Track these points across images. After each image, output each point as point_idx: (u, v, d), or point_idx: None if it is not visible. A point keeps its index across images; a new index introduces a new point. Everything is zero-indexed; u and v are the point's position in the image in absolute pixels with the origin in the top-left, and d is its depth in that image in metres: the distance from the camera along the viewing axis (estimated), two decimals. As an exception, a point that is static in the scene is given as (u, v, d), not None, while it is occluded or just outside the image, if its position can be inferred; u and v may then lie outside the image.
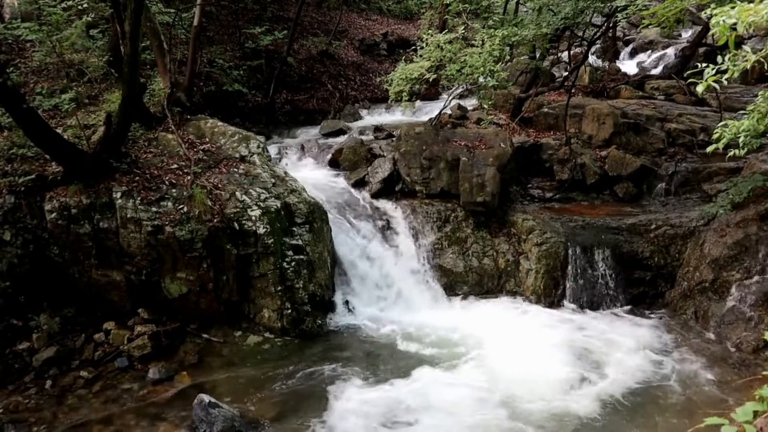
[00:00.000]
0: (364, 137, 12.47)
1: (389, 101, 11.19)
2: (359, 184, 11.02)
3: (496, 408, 6.76)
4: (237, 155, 9.63)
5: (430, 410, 6.74)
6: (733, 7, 3.28)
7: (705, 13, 3.65)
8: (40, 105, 9.01)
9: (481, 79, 10.03)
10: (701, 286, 8.79)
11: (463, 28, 10.44)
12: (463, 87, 11.21)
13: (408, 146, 10.58)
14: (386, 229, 10.09)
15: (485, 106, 10.55)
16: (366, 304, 9.30)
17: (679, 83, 13.98)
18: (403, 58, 12.43)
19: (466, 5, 11.20)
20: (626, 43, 20.32)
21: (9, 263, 7.66)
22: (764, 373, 6.56)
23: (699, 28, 16.03)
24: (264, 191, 8.93)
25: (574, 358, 7.75)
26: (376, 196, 10.67)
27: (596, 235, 9.67)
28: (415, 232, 10.04)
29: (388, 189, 10.75)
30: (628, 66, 17.75)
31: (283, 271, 8.43)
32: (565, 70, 14.70)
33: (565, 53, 14.15)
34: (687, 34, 19.24)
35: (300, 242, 8.75)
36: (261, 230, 8.35)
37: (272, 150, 11.51)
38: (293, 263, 8.53)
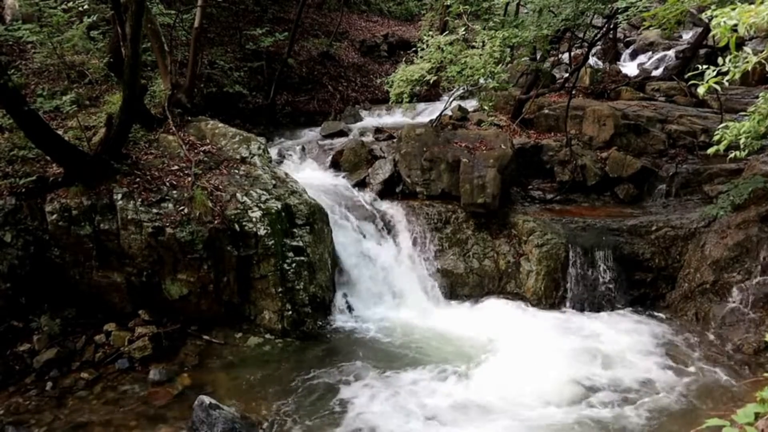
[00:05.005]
0: (364, 138, 12.49)
1: (390, 102, 11.16)
2: (360, 185, 11.03)
3: (497, 411, 6.77)
4: (238, 156, 9.64)
5: (431, 412, 6.74)
6: (733, 9, 3.28)
7: (706, 14, 3.65)
8: (41, 106, 9.00)
9: (481, 81, 10.03)
10: (702, 288, 8.78)
11: (463, 29, 10.42)
12: (463, 88, 11.20)
13: (408, 147, 10.58)
14: (387, 231, 10.09)
15: (486, 108, 10.55)
16: (366, 306, 9.30)
17: (680, 85, 13.97)
18: (404, 59, 12.40)
19: (467, 7, 11.20)
20: (627, 45, 20.35)
21: (10, 265, 7.66)
22: (765, 374, 6.55)
23: (700, 29, 16.04)
24: (265, 192, 8.93)
25: (574, 360, 7.74)
26: (376, 197, 10.67)
27: (597, 236, 9.66)
28: (415, 233, 10.04)
29: (389, 190, 10.76)
30: (629, 67, 17.77)
31: (283, 272, 8.43)
32: (566, 72, 14.71)
33: (566, 55, 14.16)
34: (687, 36, 19.26)
35: (301, 244, 8.75)
36: (262, 232, 8.35)
37: (273, 151, 11.51)
38: (294, 265, 8.53)
